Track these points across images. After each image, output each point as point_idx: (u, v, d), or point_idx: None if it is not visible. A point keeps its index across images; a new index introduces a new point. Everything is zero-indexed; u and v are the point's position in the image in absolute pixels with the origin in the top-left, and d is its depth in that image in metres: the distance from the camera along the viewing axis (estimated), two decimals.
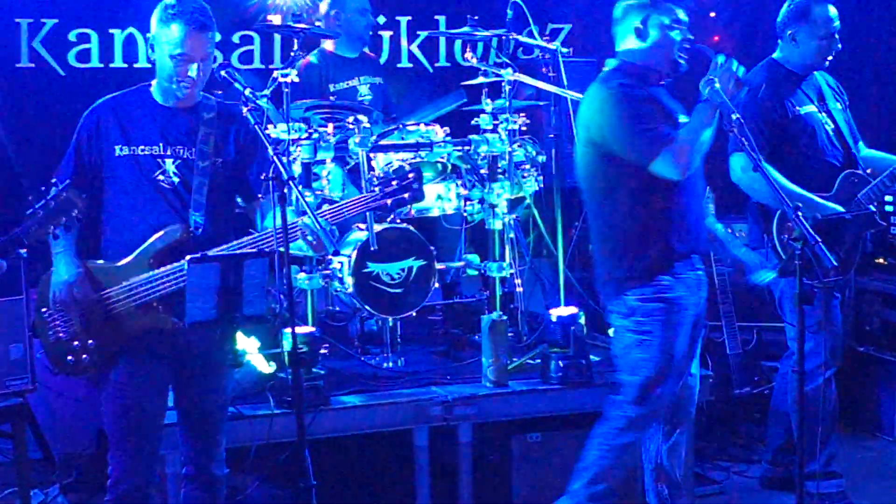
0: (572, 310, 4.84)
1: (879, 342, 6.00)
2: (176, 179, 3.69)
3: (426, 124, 5.33)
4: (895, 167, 4.74)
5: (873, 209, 4.75)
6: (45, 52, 6.10)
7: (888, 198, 5.99)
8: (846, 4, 5.12)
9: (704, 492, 5.10)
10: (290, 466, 3.76)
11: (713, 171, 4.44)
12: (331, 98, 5.60)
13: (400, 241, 5.05)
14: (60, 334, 3.67)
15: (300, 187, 3.75)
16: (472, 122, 5.32)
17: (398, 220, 5.10)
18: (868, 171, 4.85)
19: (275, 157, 3.43)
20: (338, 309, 5.56)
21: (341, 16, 5.84)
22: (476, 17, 5.40)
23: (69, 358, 3.66)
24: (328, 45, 5.90)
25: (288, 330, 3.43)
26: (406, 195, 3.94)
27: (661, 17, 4.09)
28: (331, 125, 5.14)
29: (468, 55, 5.52)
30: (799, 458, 4.00)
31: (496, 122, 5.26)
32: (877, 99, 6.91)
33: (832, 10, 4.82)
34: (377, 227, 4.89)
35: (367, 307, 4.98)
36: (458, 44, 6.71)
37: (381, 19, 6.58)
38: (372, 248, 4.81)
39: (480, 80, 5.33)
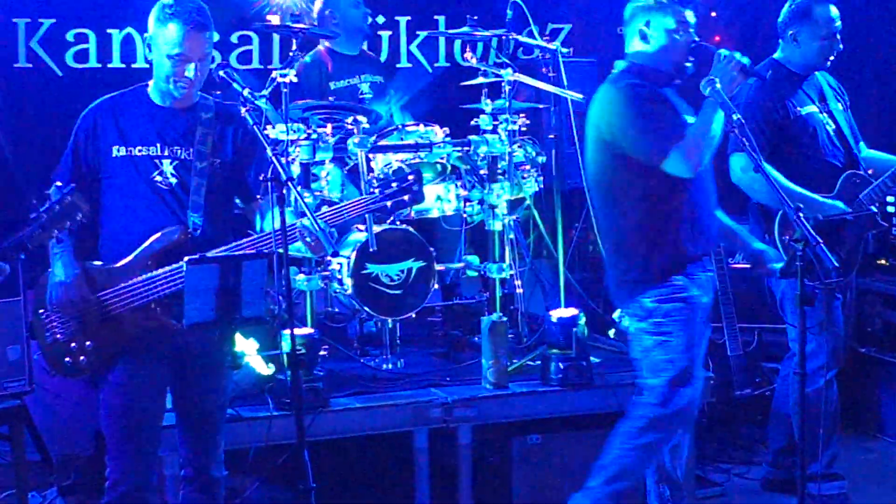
0: (572, 311, 4.83)
1: (881, 343, 5.99)
2: (174, 180, 3.67)
3: (425, 124, 5.32)
4: None
5: (875, 210, 4.75)
6: (43, 52, 6.07)
7: (890, 198, 5.97)
8: (846, 4, 5.10)
9: (705, 494, 5.08)
10: (290, 468, 3.74)
11: (713, 171, 4.42)
12: (330, 98, 5.59)
13: (399, 243, 5.03)
14: (58, 336, 3.66)
15: (299, 188, 3.74)
16: (472, 123, 5.30)
17: (397, 222, 5.09)
18: (869, 171, 4.85)
19: (273, 158, 3.42)
20: (337, 310, 5.54)
21: (336, 13, 5.82)
22: (476, 18, 5.37)
23: (67, 359, 3.65)
24: (327, 45, 5.88)
25: (287, 331, 3.43)
26: (406, 197, 3.92)
27: (666, 21, 4.08)
28: (330, 126, 5.13)
29: (468, 55, 5.50)
30: (800, 459, 3.98)
31: (496, 122, 5.24)
32: (877, 99, 6.90)
33: (833, 11, 4.82)
34: (376, 228, 4.87)
35: (366, 309, 4.97)
36: (457, 44, 6.69)
37: (381, 19, 6.56)
38: (371, 250, 4.79)
39: (480, 80, 5.31)
